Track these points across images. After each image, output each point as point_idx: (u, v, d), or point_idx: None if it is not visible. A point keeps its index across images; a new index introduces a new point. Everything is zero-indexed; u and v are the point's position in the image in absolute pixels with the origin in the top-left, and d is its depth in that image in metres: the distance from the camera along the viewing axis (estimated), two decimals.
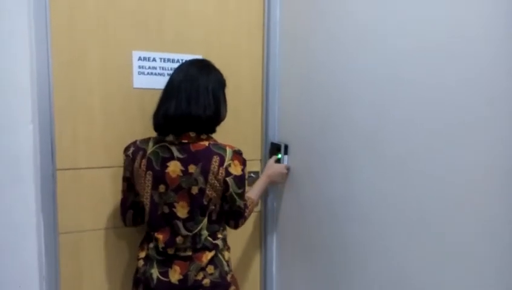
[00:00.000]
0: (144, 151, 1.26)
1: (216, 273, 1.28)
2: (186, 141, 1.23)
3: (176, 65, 1.53)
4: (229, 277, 1.33)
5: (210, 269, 1.28)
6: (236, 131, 1.74)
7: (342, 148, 1.27)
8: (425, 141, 0.93)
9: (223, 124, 1.36)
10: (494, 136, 0.76)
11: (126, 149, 1.31)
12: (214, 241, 1.30)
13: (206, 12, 1.63)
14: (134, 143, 1.31)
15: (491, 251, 0.77)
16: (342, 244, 1.28)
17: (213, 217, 1.30)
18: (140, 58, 1.52)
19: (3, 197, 1.26)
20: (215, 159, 1.23)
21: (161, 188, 1.23)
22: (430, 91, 0.91)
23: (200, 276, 1.26)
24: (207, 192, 1.23)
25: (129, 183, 1.33)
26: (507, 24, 0.72)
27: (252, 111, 1.78)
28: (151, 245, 1.28)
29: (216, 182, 1.23)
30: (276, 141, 1.76)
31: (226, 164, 1.23)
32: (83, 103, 1.47)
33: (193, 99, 1.20)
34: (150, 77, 1.56)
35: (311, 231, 1.48)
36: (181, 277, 1.24)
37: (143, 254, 1.31)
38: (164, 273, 1.25)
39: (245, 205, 1.34)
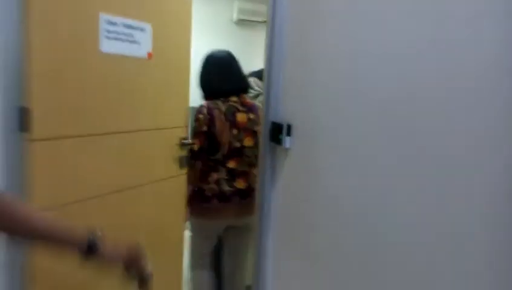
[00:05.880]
0: (219, 109, 1.97)
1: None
2: (242, 100, 2.06)
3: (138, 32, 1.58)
4: None
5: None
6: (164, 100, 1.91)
7: (356, 131, 1.12)
8: (444, 121, 0.83)
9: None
10: None
11: (199, 112, 1.97)
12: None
13: None
14: (205, 106, 1.98)
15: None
16: (351, 244, 1.13)
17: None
18: (107, 22, 1.45)
19: None
20: (258, 110, 2.05)
21: (235, 131, 1.99)
22: (449, 63, 0.80)
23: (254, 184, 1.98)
24: (257, 128, 1.97)
25: (208, 135, 1.96)
26: None
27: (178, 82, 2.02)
28: (223, 170, 1.99)
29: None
30: (277, 120, 1.51)
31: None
32: (55, 69, 1.40)
33: (240, 78, 2.10)
34: (116, 42, 1.50)
35: (314, 227, 1.31)
36: (246, 184, 2.03)
37: (213, 179, 1.99)
38: (232, 185, 2.01)
39: None
